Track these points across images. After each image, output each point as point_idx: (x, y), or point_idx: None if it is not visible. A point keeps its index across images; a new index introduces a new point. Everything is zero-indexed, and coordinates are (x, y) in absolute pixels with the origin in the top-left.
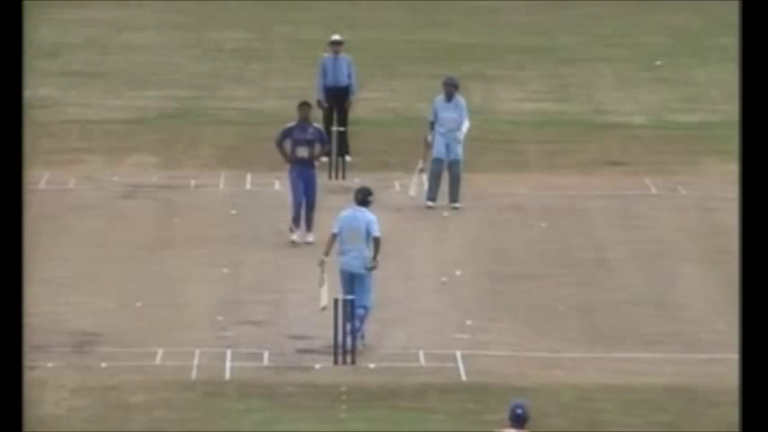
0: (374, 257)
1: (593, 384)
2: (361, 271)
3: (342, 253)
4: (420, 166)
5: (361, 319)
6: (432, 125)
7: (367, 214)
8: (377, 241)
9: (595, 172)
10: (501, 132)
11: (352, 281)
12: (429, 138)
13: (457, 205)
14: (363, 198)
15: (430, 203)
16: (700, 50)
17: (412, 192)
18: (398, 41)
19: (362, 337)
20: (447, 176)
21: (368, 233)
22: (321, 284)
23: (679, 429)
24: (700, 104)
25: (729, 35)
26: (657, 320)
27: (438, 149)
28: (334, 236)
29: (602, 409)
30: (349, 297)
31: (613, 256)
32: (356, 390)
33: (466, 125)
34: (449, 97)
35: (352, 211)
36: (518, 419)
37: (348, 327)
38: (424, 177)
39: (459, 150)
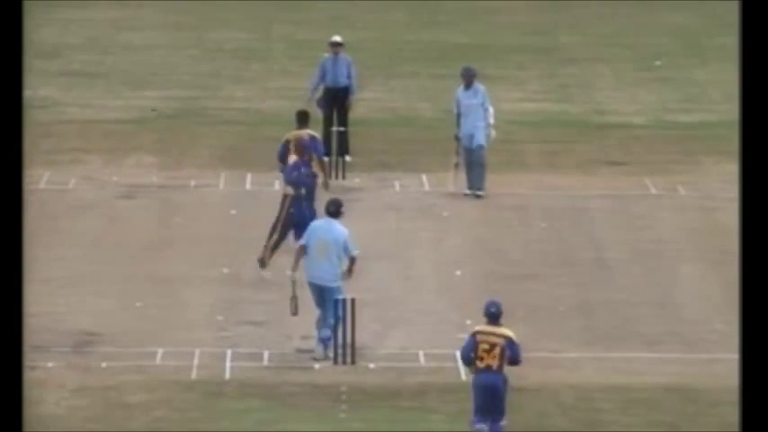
0: (349, 271)
1: (592, 384)
2: (331, 284)
3: (310, 266)
4: (455, 161)
5: (333, 329)
6: (458, 118)
7: (339, 227)
8: (353, 260)
9: (595, 172)
10: (501, 132)
11: (322, 294)
12: (458, 132)
13: (480, 193)
14: (336, 210)
15: (468, 192)
16: (700, 50)
17: (451, 187)
18: (398, 41)
19: (326, 347)
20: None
21: (341, 248)
22: (294, 312)
23: (679, 429)
24: (699, 104)
25: (729, 35)
26: (657, 320)
27: (465, 139)
28: (303, 248)
29: (602, 409)
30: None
31: (613, 256)
32: (356, 390)
33: (491, 111)
34: (467, 85)
35: (323, 223)
36: (492, 317)
37: (318, 334)
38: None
39: (482, 137)
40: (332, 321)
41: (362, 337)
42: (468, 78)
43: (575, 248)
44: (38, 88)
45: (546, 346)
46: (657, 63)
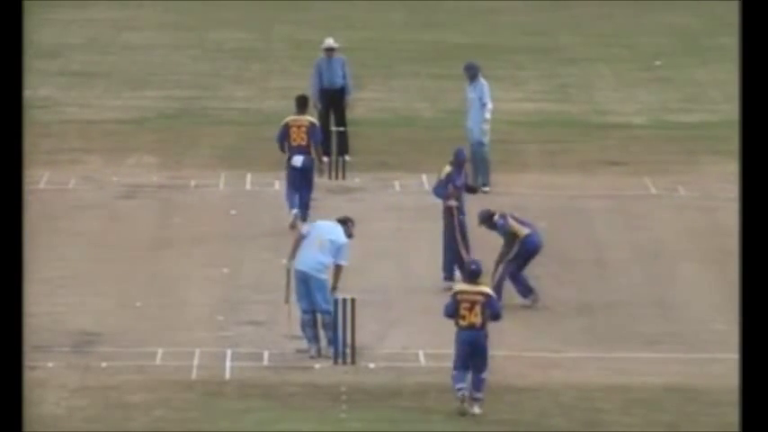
0: (334, 286)
1: (593, 384)
2: (317, 275)
3: (301, 253)
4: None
5: (331, 326)
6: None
7: (341, 234)
8: (338, 268)
9: (595, 172)
10: (501, 132)
11: (308, 283)
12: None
13: (486, 189)
14: (345, 220)
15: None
16: (700, 50)
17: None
18: (398, 41)
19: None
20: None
21: (335, 248)
22: (287, 299)
23: (679, 429)
24: (700, 104)
25: (729, 35)
26: (657, 320)
27: (466, 133)
28: (302, 237)
29: (602, 409)
30: (304, 307)
31: (613, 256)
32: (356, 390)
33: (488, 107)
34: (470, 81)
35: (329, 223)
36: (473, 274)
37: (311, 334)
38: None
39: (479, 133)
40: (327, 318)
41: (362, 337)
42: (469, 74)
43: (575, 248)
44: (38, 88)
45: (546, 346)
46: (657, 63)
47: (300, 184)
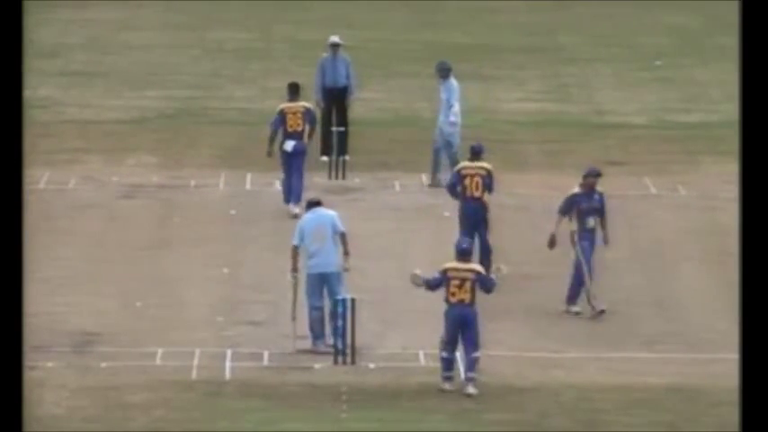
0: (346, 253)
1: (593, 384)
2: (333, 269)
3: (310, 256)
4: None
5: (343, 317)
6: None
7: (327, 211)
8: (344, 236)
9: None
10: (501, 132)
11: (323, 282)
12: None
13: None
14: (317, 200)
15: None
16: (700, 50)
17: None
18: (398, 41)
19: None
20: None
21: (333, 230)
22: (293, 317)
23: (679, 429)
24: (700, 104)
25: (729, 35)
26: (657, 320)
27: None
28: (296, 248)
29: (602, 409)
30: (317, 304)
31: (613, 256)
32: (356, 390)
33: (454, 109)
34: (442, 80)
35: (310, 214)
36: (464, 252)
37: (330, 327)
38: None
39: (439, 133)
40: (341, 309)
41: (362, 337)
42: (440, 74)
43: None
44: (38, 88)
45: (546, 346)
46: (657, 63)
47: (292, 169)
